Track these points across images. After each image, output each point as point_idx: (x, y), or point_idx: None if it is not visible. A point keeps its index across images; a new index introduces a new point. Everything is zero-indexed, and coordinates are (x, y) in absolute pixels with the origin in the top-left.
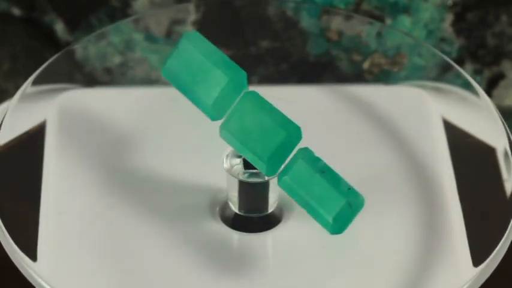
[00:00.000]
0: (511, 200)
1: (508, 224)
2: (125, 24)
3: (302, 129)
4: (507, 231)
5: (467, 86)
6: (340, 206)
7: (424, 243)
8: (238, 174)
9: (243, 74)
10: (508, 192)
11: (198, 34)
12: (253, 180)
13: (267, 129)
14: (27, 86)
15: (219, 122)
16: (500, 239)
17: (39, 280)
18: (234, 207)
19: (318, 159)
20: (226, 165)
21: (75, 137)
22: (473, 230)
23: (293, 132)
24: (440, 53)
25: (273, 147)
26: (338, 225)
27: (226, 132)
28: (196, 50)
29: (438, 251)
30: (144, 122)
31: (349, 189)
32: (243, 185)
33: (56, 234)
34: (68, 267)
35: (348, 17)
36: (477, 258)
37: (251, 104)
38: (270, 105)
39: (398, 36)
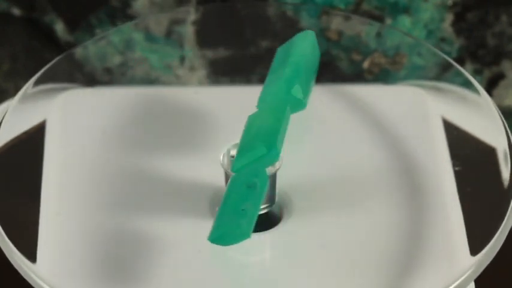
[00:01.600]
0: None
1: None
2: (126, 26)
3: (302, 129)
4: (505, 220)
5: (467, 85)
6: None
7: (424, 241)
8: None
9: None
10: (508, 193)
11: None
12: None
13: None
14: (28, 87)
15: (219, 122)
16: (498, 229)
17: (39, 281)
18: None
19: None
20: (223, 163)
21: (75, 136)
22: (474, 229)
23: (272, 155)
24: (440, 53)
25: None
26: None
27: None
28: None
29: (438, 249)
30: (144, 122)
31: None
32: None
33: (55, 235)
34: (67, 269)
35: (347, 17)
36: (475, 251)
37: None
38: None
39: (398, 36)
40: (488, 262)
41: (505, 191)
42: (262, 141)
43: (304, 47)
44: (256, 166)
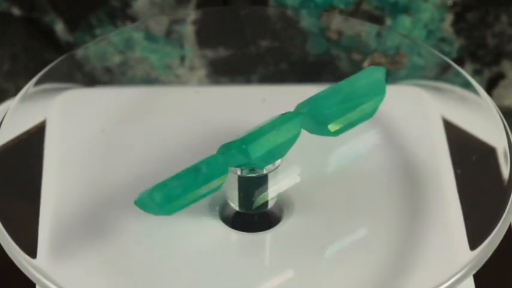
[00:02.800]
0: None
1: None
2: (127, 28)
3: (302, 129)
4: (504, 215)
5: (467, 85)
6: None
7: (424, 240)
8: (236, 170)
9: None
10: (508, 192)
11: None
12: (252, 175)
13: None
14: (28, 88)
15: (219, 122)
16: (497, 224)
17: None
18: (235, 206)
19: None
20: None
21: (75, 136)
22: (473, 228)
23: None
24: (439, 54)
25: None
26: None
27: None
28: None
29: (438, 248)
30: (144, 122)
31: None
32: (242, 181)
33: (55, 235)
34: (67, 270)
35: (346, 19)
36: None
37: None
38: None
39: (398, 36)
40: (486, 257)
41: (505, 190)
42: (245, 142)
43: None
44: (221, 158)
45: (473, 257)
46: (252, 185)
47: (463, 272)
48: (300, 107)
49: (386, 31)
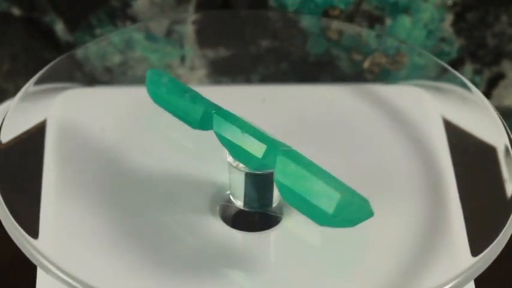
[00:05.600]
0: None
1: (508, 218)
2: (128, 28)
3: (302, 129)
4: (508, 223)
5: (467, 85)
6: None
7: (424, 240)
8: (243, 167)
9: None
10: (509, 192)
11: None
12: (260, 172)
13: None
14: (28, 87)
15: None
16: (500, 231)
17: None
18: (239, 203)
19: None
20: (230, 159)
21: (75, 136)
22: (473, 227)
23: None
24: (434, 57)
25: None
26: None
27: None
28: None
29: (438, 247)
30: (144, 121)
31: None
32: (249, 177)
33: (56, 235)
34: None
35: (347, 17)
36: (476, 251)
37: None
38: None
39: (398, 36)
40: (489, 262)
41: (505, 191)
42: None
43: None
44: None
45: (474, 262)
46: (258, 182)
47: (462, 277)
48: None
49: (387, 31)
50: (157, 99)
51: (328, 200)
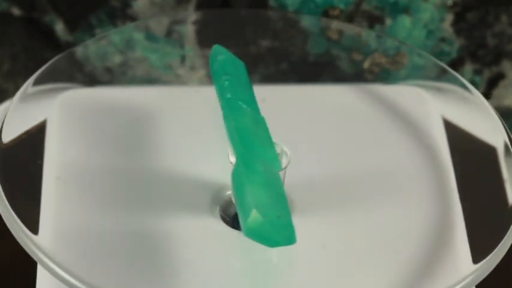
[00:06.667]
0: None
1: (509, 227)
2: (127, 27)
3: (302, 129)
4: (509, 231)
5: (466, 86)
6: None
7: (424, 241)
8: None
9: None
10: (510, 197)
11: None
12: None
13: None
14: (28, 86)
15: (220, 121)
16: (502, 237)
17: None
18: None
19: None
20: (231, 159)
21: (75, 136)
22: (474, 228)
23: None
24: (434, 59)
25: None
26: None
27: None
28: None
29: (439, 249)
30: (144, 121)
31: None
32: None
33: (56, 235)
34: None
35: (347, 17)
36: (478, 256)
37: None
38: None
39: (398, 36)
40: (490, 269)
41: (506, 191)
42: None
43: None
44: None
45: (475, 269)
46: None
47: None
48: None
49: (387, 31)
50: (212, 74)
51: (247, 214)
